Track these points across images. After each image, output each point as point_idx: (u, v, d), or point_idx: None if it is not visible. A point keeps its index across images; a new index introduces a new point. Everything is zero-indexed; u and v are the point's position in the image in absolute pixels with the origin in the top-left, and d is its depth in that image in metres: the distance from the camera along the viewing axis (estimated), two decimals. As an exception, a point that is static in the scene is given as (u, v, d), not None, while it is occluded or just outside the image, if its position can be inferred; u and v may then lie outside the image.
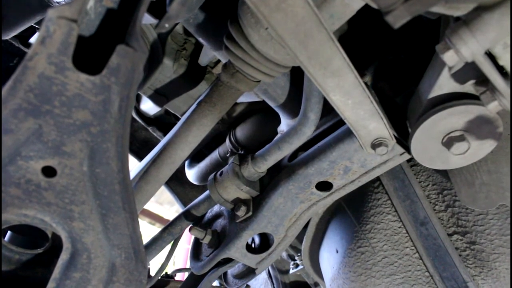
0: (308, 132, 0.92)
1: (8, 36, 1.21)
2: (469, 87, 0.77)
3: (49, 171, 0.56)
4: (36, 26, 1.31)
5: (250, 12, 0.73)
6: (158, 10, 0.92)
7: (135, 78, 0.53)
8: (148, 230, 6.72)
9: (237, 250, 1.10)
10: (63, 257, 0.62)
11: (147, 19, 0.94)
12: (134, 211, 0.64)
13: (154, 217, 7.14)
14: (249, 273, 1.25)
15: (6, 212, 0.57)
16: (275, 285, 1.94)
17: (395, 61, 1.03)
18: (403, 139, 0.91)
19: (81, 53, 0.53)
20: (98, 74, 0.51)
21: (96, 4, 0.56)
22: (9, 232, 0.96)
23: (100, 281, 0.64)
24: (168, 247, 1.35)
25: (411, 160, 1.08)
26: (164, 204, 7.22)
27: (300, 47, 0.62)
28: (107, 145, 0.56)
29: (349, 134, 0.91)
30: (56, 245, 0.78)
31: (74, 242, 0.61)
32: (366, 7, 0.69)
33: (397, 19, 0.49)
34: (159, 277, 1.55)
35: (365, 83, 0.75)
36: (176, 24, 1.43)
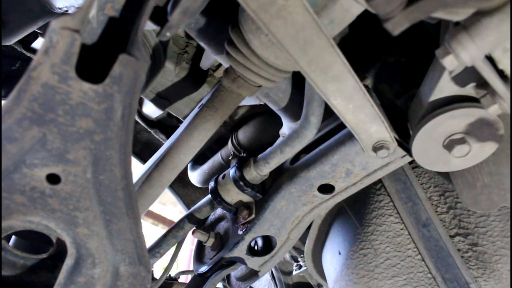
0: (309, 135, 0.93)
1: (11, 41, 1.22)
2: (469, 90, 0.77)
3: (53, 178, 0.57)
4: (39, 31, 1.32)
5: (251, 18, 0.73)
6: (159, 16, 0.93)
7: (137, 87, 0.53)
8: (151, 231, 6.73)
9: (240, 253, 1.11)
10: (68, 262, 0.63)
11: (148, 26, 0.95)
12: (137, 216, 0.65)
13: (157, 218, 7.15)
14: (252, 275, 1.25)
15: (11, 219, 0.58)
16: (278, 287, 1.94)
17: (396, 64, 1.03)
18: (405, 142, 0.91)
19: (83, 61, 0.53)
20: (101, 83, 0.52)
21: (98, 13, 0.56)
22: (13, 237, 0.97)
23: (105, 285, 0.65)
24: (172, 249, 1.36)
25: (412, 162, 1.09)
26: (167, 205, 7.23)
27: (300, 53, 0.63)
28: (110, 152, 0.57)
29: (350, 137, 0.92)
30: (60, 250, 0.79)
31: (78, 248, 0.62)
32: (367, 10, 0.69)
33: (396, 26, 0.49)
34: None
35: (366, 86, 0.76)
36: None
